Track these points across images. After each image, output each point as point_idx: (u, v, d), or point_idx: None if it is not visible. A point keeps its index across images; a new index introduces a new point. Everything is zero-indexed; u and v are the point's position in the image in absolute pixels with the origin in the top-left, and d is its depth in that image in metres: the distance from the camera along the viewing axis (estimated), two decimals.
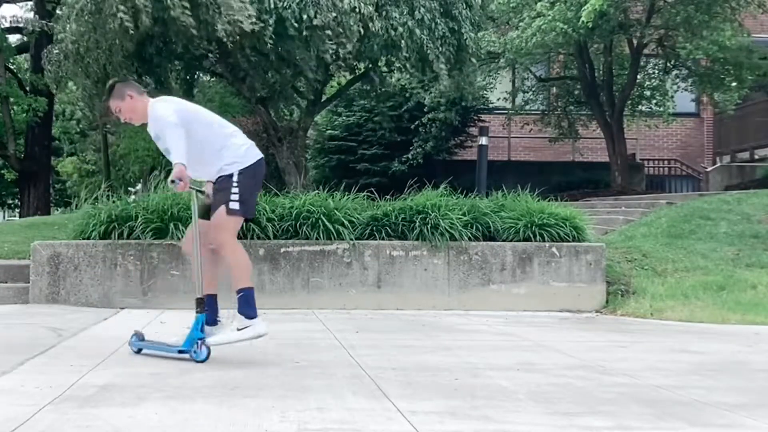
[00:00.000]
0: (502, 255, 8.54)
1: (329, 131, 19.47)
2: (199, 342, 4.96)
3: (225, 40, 10.52)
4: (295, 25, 10.84)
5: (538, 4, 14.09)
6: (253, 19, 10.41)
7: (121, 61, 11.44)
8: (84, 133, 28.23)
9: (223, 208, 5.06)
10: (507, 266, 8.54)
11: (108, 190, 8.68)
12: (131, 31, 10.45)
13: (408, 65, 12.17)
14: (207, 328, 5.07)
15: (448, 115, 17.47)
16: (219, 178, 5.13)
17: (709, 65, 16.40)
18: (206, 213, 5.19)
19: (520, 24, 14.45)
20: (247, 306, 5.06)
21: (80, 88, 12.38)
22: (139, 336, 5.31)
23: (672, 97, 17.29)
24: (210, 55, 11.74)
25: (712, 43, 14.05)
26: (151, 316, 7.30)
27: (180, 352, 5.02)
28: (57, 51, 12.12)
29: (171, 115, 5.00)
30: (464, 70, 13.44)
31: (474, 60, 13.33)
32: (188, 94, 14.77)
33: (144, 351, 5.25)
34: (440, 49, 11.92)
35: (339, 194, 8.85)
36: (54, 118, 23.99)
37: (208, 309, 5.10)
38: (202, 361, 4.88)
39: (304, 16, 10.85)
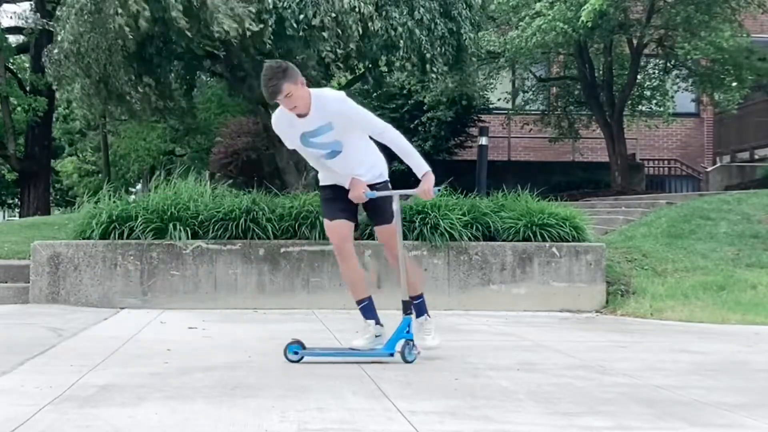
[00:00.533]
0: (502, 255, 8.54)
1: None
2: (411, 343, 5.03)
3: (225, 38, 10.51)
4: (294, 25, 10.84)
5: (538, 3, 14.08)
6: (248, 23, 10.39)
7: (121, 61, 11.43)
8: (83, 132, 28.25)
9: (391, 218, 5.19)
10: (507, 266, 8.54)
11: (109, 190, 8.69)
12: (130, 35, 10.47)
13: (408, 65, 12.17)
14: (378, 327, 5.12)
15: (446, 113, 17.45)
16: (378, 184, 5.15)
17: (709, 65, 16.41)
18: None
19: (521, 23, 14.45)
20: (426, 308, 5.37)
21: (80, 87, 12.37)
22: (299, 344, 5.06)
23: (672, 97, 17.28)
24: (214, 53, 11.73)
25: (709, 44, 14.04)
26: (151, 316, 7.30)
27: (391, 354, 5.02)
28: (57, 51, 12.13)
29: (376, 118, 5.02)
30: (465, 70, 13.44)
31: (474, 59, 13.33)
32: (188, 94, 14.79)
33: (308, 359, 5.05)
34: (439, 49, 11.92)
35: None
36: (54, 119, 24.00)
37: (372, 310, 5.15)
38: (411, 362, 4.97)
39: (301, 17, 10.85)
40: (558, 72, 19.64)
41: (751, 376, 4.97)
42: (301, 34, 11.00)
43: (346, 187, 5.07)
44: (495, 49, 14.80)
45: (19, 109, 22.08)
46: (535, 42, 13.99)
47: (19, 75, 23.40)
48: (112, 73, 11.63)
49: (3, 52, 19.86)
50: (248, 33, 10.60)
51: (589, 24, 13.10)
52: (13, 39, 23.29)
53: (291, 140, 5.05)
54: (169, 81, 13.21)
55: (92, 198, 8.81)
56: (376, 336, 5.10)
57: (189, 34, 10.48)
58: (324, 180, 5.27)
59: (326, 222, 5.27)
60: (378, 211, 5.18)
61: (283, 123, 4.98)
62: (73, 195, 34.32)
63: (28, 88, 21.32)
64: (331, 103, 4.87)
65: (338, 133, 4.92)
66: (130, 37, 10.52)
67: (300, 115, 4.85)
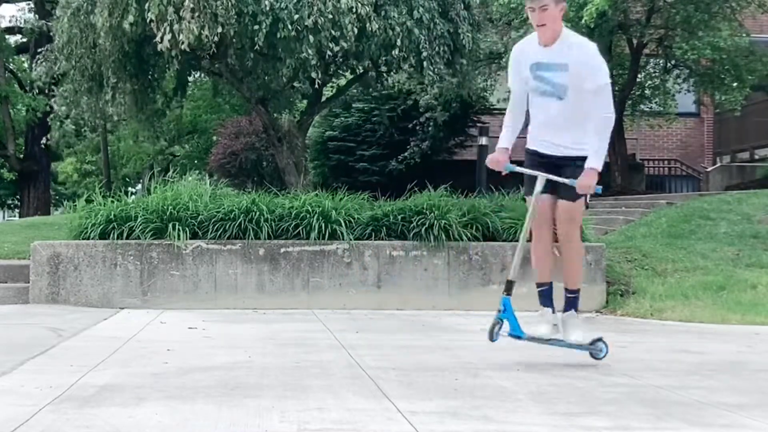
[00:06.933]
0: (502, 255, 8.53)
1: (328, 132, 19.50)
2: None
3: (180, 47, 10.49)
4: (289, 26, 10.83)
5: None
6: (199, 33, 10.39)
7: (116, 60, 11.46)
8: (78, 133, 28.28)
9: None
10: (507, 266, 8.52)
11: (107, 190, 8.69)
12: (109, 39, 10.54)
13: (406, 65, 12.16)
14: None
15: (441, 114, 17.44)
16: (578, 159, 4.91)
17: (708, 65, 16.40)
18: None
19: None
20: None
21: (71, 85, 12.41)
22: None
23: (673, 95, 17.28)
24: (213, 53, 11.73)
25: (707, 44, 14.03)
26: (151, 316, 7.30)
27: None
28: (54, 50, 12.19)
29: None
30: (463, 71, 13.43)
31: (468, 60, 13.30)
32: (178, 93, 14.81)
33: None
34: (437, 49, 11.90)
35: (339, 194, 8.86)
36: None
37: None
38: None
39: (296, 16, 10.84)
40: None
41: (751, 376, 4.97)
42: (300, 34, 10.98)
43: (548, 151, 5.05)
44: (497, 50, 14.78)
45: (19, 106, 22.05)
46: None
47: (19, 75, 23.41)
48: (105, 72, 11.67)
49: (3, 52, 19.86)
50: (217, 37, 10.61)
51: (591, 24, 13.09)
52: (13, 39, 23.30)
53: (520, 70, 5.02)
54: (155, 85, 13.25)
55: (90, 198, 8.80)
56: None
57: (164, 38, 10.46)
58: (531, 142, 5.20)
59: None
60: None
61: (524, 50, 5.01)
62: (72, 196, 34.37)
63: (27, 88, 21.33)
64: (581, 48, 4.86)
65: (568, 80, 4.84)
66: (106, 41, 10.60)
67: (542, 44, 4.89)
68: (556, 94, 4.90)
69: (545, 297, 5.26)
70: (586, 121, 4.86)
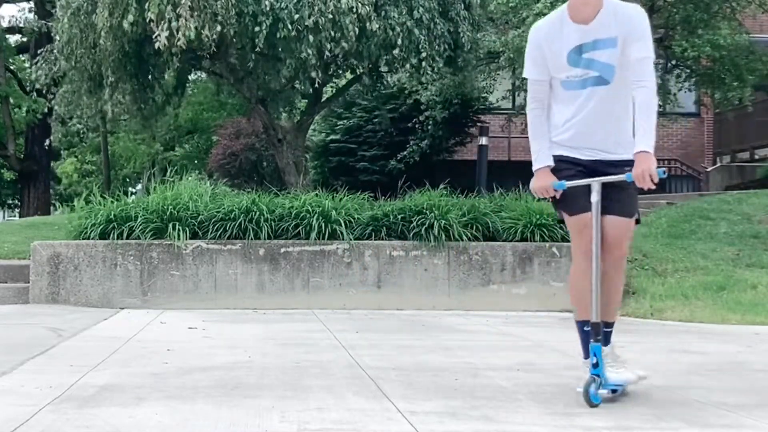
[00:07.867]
0: (502, 255, 8.54)
1: (331, 136, 19.50)
2: (597, 379, 3.91)
3: (174, 45, 10.50)
4: (289, 26, 10.84)
5: (539, 4, 14.06)
6: (198, 32, 10.40)
7: (116, 60, 11.48)
8: (80, 134, 28.32)
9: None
10: (507, 266, 8.54)
11: (107, 190, 8.71)
12: (108, 38, 10.57)
13: (408, 65, 12.18)
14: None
15: (440, 113, 17.44)
16: (622, 163, 4.00)
17: (709, 65, 16.39)
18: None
19: (525, 22, 14.41)
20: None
21: (70, 85, 12.44)
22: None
23: (675, 94, 17.28)
24: (212, 52, 11.76)
25: (707, 42, 14.03)
26: (151, 316, 7.30)
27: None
28: (53, 50, 12.20)
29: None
30: (463, 70, 13.44)
31: (471, 58, 13.32)
32: (177, 93, 14.84)
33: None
34: (437, 48, 11.92)
35: (339, 194, 8.87)
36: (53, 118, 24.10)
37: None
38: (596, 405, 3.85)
39: (296, 16, 10.85)
40: None
41: (751, 376, 4.96)
42: (301, 34, 11.00)
43: (588, 157, 4.04)
44: (495, 49, 14.79)
45: (20, 106, 22.08)
46: None
47: (19, 75, 23.42)
48: (105, 72, 11.69)
49: (3, 52, 19.87)
50: (209, 37, 10.62)
51: None
52: (13, 39, 23.31)
53: (554, 58, 3.99)
54: (155, 85, 13.29)
55: (88, 198, 8.79)
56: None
57: (161, 36, 10.46)
58: (560, 146, 4.11)
59: (566, 217, 4.19)
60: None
61: (552, 33, 3.98)
62: (71, 196, 34.42)
63: (28, 88, 21.37)
64: (632, 16, 3.91)
65: (617, 57, 3.90)
66: (106, 41, 10.62)
67: (579, 21, 3.92)
68: (603, 78, 3.94)
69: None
70: (627, 113, 4.01)
